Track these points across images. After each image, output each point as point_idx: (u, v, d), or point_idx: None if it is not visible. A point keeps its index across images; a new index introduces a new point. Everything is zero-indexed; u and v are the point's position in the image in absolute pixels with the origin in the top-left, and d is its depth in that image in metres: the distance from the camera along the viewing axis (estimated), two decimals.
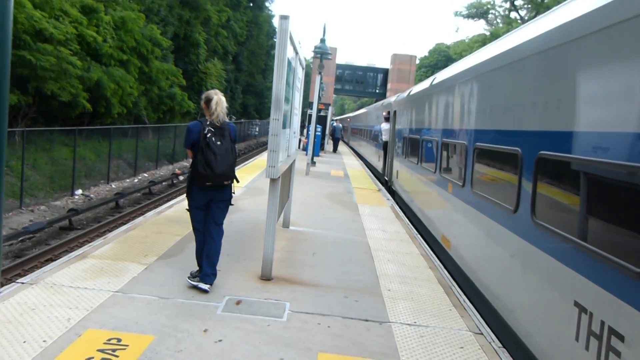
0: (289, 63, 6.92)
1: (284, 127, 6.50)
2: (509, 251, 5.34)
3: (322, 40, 21.81)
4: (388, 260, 7.71)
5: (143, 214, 15.79)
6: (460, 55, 55.84)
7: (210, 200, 5.65)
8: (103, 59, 26.22)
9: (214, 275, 5.66)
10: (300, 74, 8.83)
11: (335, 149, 35.08)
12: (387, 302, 5.87)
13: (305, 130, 30.94)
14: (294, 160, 9.22)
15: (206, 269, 5.58)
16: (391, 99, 21.28)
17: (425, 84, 11.89)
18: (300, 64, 8.67)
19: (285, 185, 8.22)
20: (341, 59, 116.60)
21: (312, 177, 17.89)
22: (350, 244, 8.62)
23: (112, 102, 26.93)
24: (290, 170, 8.86)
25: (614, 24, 3.56)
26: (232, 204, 5.87)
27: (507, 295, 5.33)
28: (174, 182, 25.00)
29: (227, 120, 5.64)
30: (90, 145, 24.97)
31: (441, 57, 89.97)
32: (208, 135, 5.45)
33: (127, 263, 6.34)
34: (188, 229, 6.99)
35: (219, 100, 5.56)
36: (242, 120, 58.84)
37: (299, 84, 8.98)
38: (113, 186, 23.25)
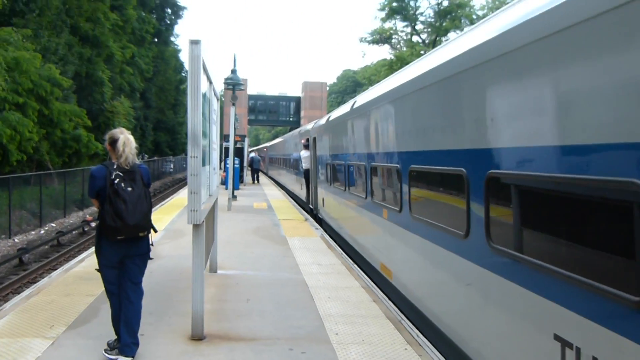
0: (204, 95, 6.29)
1: (204, 164, 5.84)
2: (462, 279, 4.92)
3: (233, 71, 21.24)
4: (329, 298, 7.13)
5: (54, 269, 14.32)
6: (369, 80, 57.14)
7: (124, 256, 4.86)
8: None
9: (136, 344, 4.83)
10: (215, 105, 8.19)
11: (255, 180, 34.75)
12: (338, 350, 5.27)
13: (222, 164, 30.59)
14: (217, 199, 8.51)
15: (125, 338, 4.75)
16: (308, 125, 20.98)
17: (345, 108, 11.57)
18: (215, 94, 8.04)
19: (209, 227, 7.48)
20: (252, 89, 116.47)
21: (235, 212, 17.10)
22: (285, 283, 7.97)
23: (9, 148, 24.92)
24: (213, 209, 8.13)
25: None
26: (151, 258, 5.09)
27: (467, 326, 4.89)
28: (85, 229, 23.27)
29: (137, 161, 4.91)
30: None
31: (349, 83, 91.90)
32: (116, 181, 4.69)
33: (29, 339, 5.34)
34: (102, 287, 6.10)
35: (126, 140, 4.83)
36: (155, 157, 56.83)
37: (215, 116, 8.34)
38: (16, 240, 21.26)
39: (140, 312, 4.93)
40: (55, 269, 11.44)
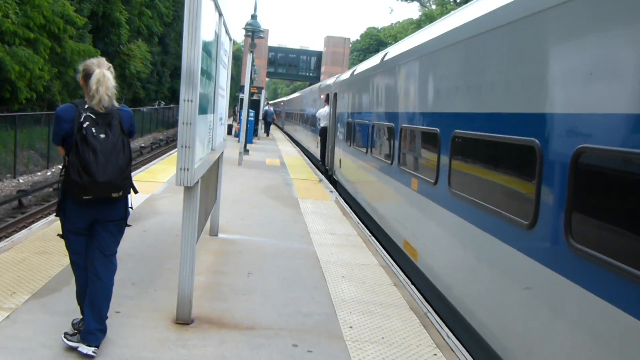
0: (213, 31, 5.18)
1: (204, 111, 4.78)
2: (520, 282, 3.89)
3: (254, 17, 19.94)
4: (343, 277, 6.16)
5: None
6: (395, 38, 55.04)
7: (94, 220, 3.88)
8: (5, 37, 23.18)
9: (102, 331, 3.89)
10: (227, 45, 7.07)
11: (267, 133, 34.70)
12: (352, 350, 4.31)
13: (237, 116, 29.79)
14: (222, 153, 7.48)
15: (90, 324, 3.80)
16: (329, 80, 19.72)
17: (373, 61, 10.37)
18: (228, 33, 6.91)
19: (210, 186, 6.49)
20: (273, 41, 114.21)
21: (246, 167, 16.12)
22: (294, 255, 7.01)
23: (18, 85, 23.98)
24: (216, 165, 7.12)
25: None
26: (129, 225, 4.10)
27: (522, 341, 3.88)
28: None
29: (115, 104, 3.88)
30: None
31: (373, 41, 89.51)
32: (85, 125, 3.67)
33: None
34: None
35: (101, 76, 3.78)
36: (172, 105, 55.72)
37: (226, 58, 7.23)
38: (21, 181, 20.53)
39: (110, 291, 3.97)
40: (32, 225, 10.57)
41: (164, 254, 6.52)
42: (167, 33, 55.89)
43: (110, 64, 4.08)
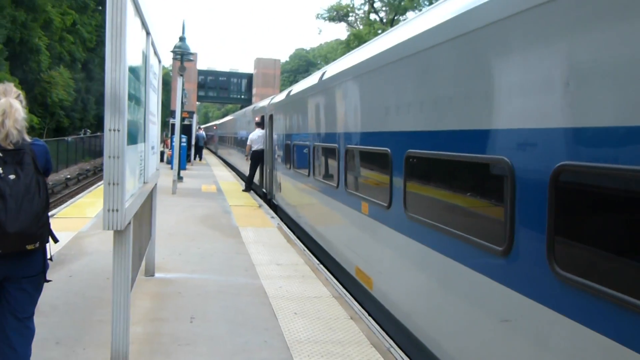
0: (141, 52, 4.67)
1: (134, 141, 4.23)
2: (496, 310, 3.55)
3: (182, 39, 19.25)
4: (295, 314, 5.68)
5: None
6: (325, 58, 55.49)
7: (4, 278, 3.25)
8: None
9: None
10: (156, 68, 6.53)
11: (200, 157, 34.79)
12: None
13: (167, 141, 28.98)
14: (155, 184, 6.88)
15: None
16: (263, 102, 19.30)
17: (310, 81, 10.03)
18: (156, 54, 6.38)
19: (144, 222, 5.88)
20: (203, 64, 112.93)
21: (181, 195, 15.36)
22: (239, 291, 6.47)
23: None
24: (150, 199, 6.51)
25: None
26: (48, 280, 3.48)
27: None
28: None
29: (27, 138, 3.30)
30: None
31: (302, 62, 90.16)
32: None
33: None
34: None
35: (7, 107, 3.21)
36: (98, 133, 53.47)
37: (156, 81, 6.67)
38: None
39: None
40: None
41: (94, 302, 5.83)
42: (91, 59, 53.99)
43: (20, 91, 3.49)
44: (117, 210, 3.31)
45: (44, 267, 3.39)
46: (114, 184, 3.28)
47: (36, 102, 39.23)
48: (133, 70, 4.02)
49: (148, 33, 5.17)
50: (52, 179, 32.02)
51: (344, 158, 7.13)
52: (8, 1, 35.16)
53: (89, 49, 52.99)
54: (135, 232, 4.77)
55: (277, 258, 8.26)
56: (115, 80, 3.24)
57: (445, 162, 4.35)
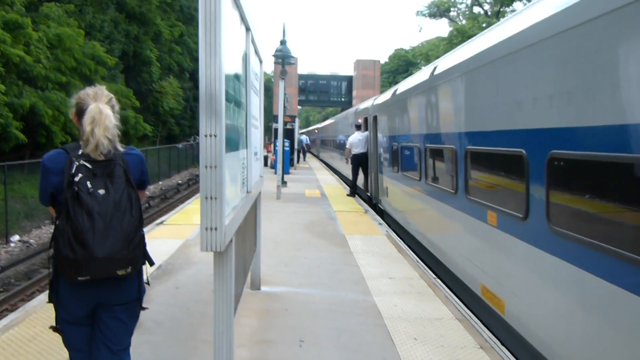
0: (243, 53, 4.24)
1: (235, 147, 3.77)
2: None
3: (283, 42, 19.11)
4: (415, 340, 4.99)
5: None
6: (426, 56, 53.99)
7: (97, 305, 2.88)
8: (38, 82, 23.19)
9: None
10: (257, 68, 6.12)
11: (304, 158, 37.61)
12: None
13: (270, 146, 29.46)
14: (259, 193, 6.47)
15: None
16: (366, 103, 18.70)
17: (420, 77, 9.27)
18: (257, 53, 5.96)
19: (248, 235, 5.46)
20: (303, 69, 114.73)
21: (284, 201, 15.12)
22: (351, 309, 5.88)
23: (52, 130, 23.95)
24: (254, 209, 6.11)
25: None
26: (145, 308, 3.08)
27: None
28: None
29: (119, 148, 2.91)
30: (33, 182, 21.67)
31: (401, 62, 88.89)
32: (78, 178, 2.71)
33: None
34: None
35: (97, 114, 2.83)
36: None
37: (257, 83, 6.27)
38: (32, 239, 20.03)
39: None
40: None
41: (199, 318, 5.49)
42: (198, 68, 56.26)
43: (112, 95, 3.12)
44: (215, 229, 2.82)
45: (140, 294, 2.98)
46: (211, 198, 2.79)
47: (149, 111, 41.36)
48: (232, 69, 3.54)
49: (248, 29, 4.72)
50: (165, 184, 33.48)
51: (464, 161, 6.32)
52: (122, 17, 37.29)
53: (195, 58, 55.18)
54: (239, 246, 4.32)
55: (389, 270, 7.59)
56: (211, 77, 2.75)
57: (605, 165, 3.49)
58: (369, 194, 16.26)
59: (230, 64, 3.43)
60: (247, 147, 4.80)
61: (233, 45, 3.64)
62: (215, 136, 2.78)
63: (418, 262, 8.25)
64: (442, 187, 7.54)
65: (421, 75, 9.32)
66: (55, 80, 24.32)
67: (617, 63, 3.34)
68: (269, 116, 47.08)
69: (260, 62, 6.61)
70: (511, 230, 4.99)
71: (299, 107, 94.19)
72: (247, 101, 4.79)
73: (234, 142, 3.73)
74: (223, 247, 2.85)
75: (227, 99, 3.12)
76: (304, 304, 6.02)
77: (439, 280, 7.21)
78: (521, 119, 4.73)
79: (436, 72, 7.79)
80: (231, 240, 3.21)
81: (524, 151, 4.66)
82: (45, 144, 24.58)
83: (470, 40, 7.04)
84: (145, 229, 3.26)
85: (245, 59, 4.71)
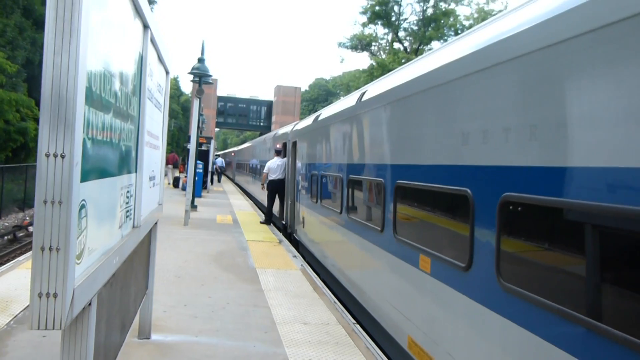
0: (137, 55, 3.37)
1: (112, 172, 2.85)
2: None
3: (201, 60, 18.14)
4: None
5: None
6: (347, 86, 54.47)
7: None
8: None
9: None
10: (160, 78, 5.20)
11: (219, 180, 40.22)
12: None
13: (182, 167, 28.25)
14: (155, 224, 5.48)
15: None
16: (286, 128, 17.99)
17: (346, 103, 8.64)
18: (161, 60, 5.06)
19: (135, 275, 4.46)
20: (222, 91, 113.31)
21: (193, 227, 13.97)
22: None
23: None
24: (147, 242, 5.12)
25: None
26: None
27: None
28: (18, 236, 19.63)
29: None
30: None
31: (321, 92, 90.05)
32: None
33: None
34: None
35: None
36: None
37: (161, 96, 5.35)
38: None
39: None
40: None
41: None
42: None
43: None
44: (54, 295, 1.88)
45: None
46: (50, 248, 1.86)
47: None
48: (109, 65, 2.64)
49: (146, 26, 3.83)
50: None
51: (393, 196, 5.66)
52: (29, 23, 34.75)
53: None
54: (114, 298, 3.35)
55: (303, 313, 6.77)
56: (60, 68, 1.85)
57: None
58: (284, 222, 15.45)
59: (106, 59, 2.53)
60: (136, 171, 3.85)
61: (114, 35, 2.74)
62: (62, 157, 1.87)
63: (335, 302, 7.49)
64: (365, 223, 6.86)
65: (347, 101, 8.70)
66: None
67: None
68: (185, 137, 45.38)
69: (167, 72, 5.70)
70: (449, 280, 4.32)
71: (217, 129, 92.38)
72: (139, 114, 3.86)
73: (110, 165, 2.81)
74: (66, 321, 1.91)
75: (92, 104, 2.22)
76: (202, 358, 5.04)
77: (358, 327, 6.47)
78: (466, 153, 4.11)
79: (365, 98, 7.17)
80: (89, 305, 2.26)
81: (468, 190, 4.03)
82: None
83: (408, 63, 6.45)
84: None
85: (141, 63, 3.80)
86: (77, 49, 1.87)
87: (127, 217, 3.55)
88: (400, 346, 5.42)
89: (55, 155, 1.86)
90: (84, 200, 2.21)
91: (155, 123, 4.97)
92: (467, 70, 4.15)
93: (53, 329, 1.88)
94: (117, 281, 3.31)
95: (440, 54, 4.99)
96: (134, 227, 3.81)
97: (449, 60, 4.55)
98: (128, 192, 3.54)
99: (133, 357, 4.90)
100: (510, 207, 3.46)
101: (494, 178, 3.67)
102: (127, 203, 3.51)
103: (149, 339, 5.40)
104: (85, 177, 2.17)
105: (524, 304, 3.27)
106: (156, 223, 5.41)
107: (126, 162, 3.39)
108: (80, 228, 2.19)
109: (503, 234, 3.56)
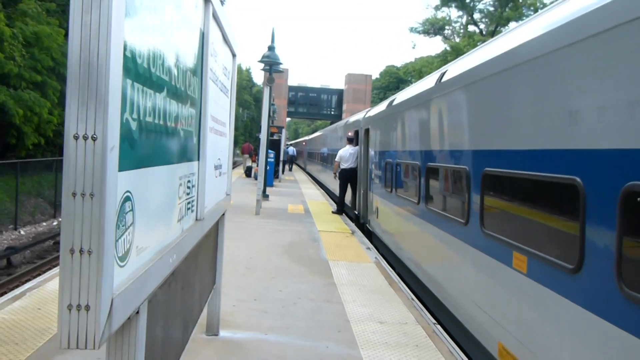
0: (199, 32, 3.04)
1: (169, 159, 2.52)
2: None
3: (271, 48, 17.94)
4: None
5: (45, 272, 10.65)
6: (419, 72, 53.15)
7: None
8: (10, 80, 21.73)
9: None
10: (227, 62, 4.89)
11: (290, 169, 41.13)
12: None
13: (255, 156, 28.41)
14: (223, 215, 5.20)
15: None
16: (357, 115, 17.53)
17: (424, 85, 8.07)
18: (226, 40, 4.73)
19: (199, 270, 4.18)
20: (293, 81, 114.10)
21: (264, 217, 13.81)
22: None
23: (24, 130, 22.54)
24: (214, 234, 4.85)
25: None
26: None
27: None
28: (14, 262, 16.77)
29: None
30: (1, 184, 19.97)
31: (392, 79, 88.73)
32: None
33: None
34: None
35: None
36: None
37: (228, 80, 5.04)
38: (22, 232, 18.52)
39: None
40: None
41: None
42: None
43: None
44: (86, 308, 1.54)
45: None
46: (81, 251, 1.52)
47: None
48: (161, 38, 2.29)
49: (207, 0, 3.49)
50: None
51: (480, 186, 5.09)
52: None
53: None
54: (174, 297, 3.05)
55: (379, 311, 6.33)
56: (89, 26, 1.49)
57: None
58: (356, 212, 15.03)
59: (155, 28, 2.18)
60: (199, 159, 3.53)
61: (168, 2, 2.39)
62: (93, 139, 1.52)
63: (413, 299, 7.00)
64: (447, 215, 6.31)
65: (424, 83, 8.13)
66: (30, 80, 22.93)
67: None
68: (257, 127, 45.99)
69: (233, 55, 5.39)
70: (553, 284, 3.75)
71: (288, 118, 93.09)
72: (202, 97, 3.54)
73: (164, 152, 2.47)
74: (100, 338, 1.57)
75: (137, 79, 1.87)
76: (271, 358, 4.72)
77: (439, 327, 5.96)
78: (574, 135, 3.51)
79: (445, 78, 6.58)
80: (136, 313, 1.93)
81: (578, 179, 3.44)
82: (15, 145, 23.19)
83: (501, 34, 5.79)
84: None
85: (202, 40, 3.46)
86: (109, 5, 1.50)
87: (189, 209, 3.24)
88: (487, 351, 4.88)
89: (85, 138, 1.51)
90: (128, 192, 1.87)
91: (220, 108, 4.66)
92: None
93: (86, 348, 1.55)
94: (177, 280, 3.00)
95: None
96: (197, 219, 3.50)
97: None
98: (189, 181, 3.22)
99: (200, 356, 4.64)
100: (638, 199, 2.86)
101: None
102: (188, 194, 3.19)
103: (217, 335, 5.15)
104: (129, 165, 1.83)
105: None
106: (224, 214, 5.12)
107: (186, 149, 3.06)
108: (124, 225, 1.85)
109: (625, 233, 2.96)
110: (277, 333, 5.41)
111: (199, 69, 3.44)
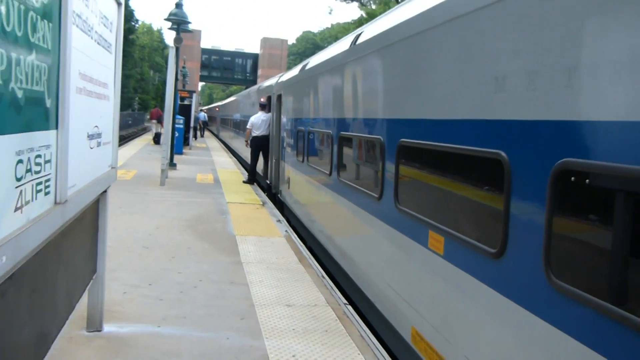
0: None
1: (9, 128, 1.85)
2: None
3: (179, 5, 16.79)
4: None
5: None
6: (335, 38, 52.72)
7: None
8: None
9: None
10: (107, 10, 4.12)
11: (202, 135, 40.97)
12: None
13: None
14: (105, 192, 4.47)
15: None
16: (270, 80, 16.83)
17: (339, 47, 7.56)
18: None
19: (74, 257, 3.50)
20: (207, 43, 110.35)
21: (170, 188, 12.96)
22: None
23: None
24: (91, 216, 4.14)
25: None
26: None
27: None
28: None
29: None
30: None
31: (309, 45, 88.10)
32: None
33: None
34: None
35: None
36: None
37: (109, 32, 4.27)
38: None
39: None
40: None
41: None
42: None
43: None
44: None
45: None
46: None
47: None
48: None
49: None
50: None
51: (396, 158, 4.69)
52: None
53: None
54: (17, 306, 2.39)
55: (287, 292, 5.88)
56: None
57: None
58: (268, 182, 14.50)
59: None
60: (57, 127, 2.83)
61: None
62: None
63: (323, 277, 6.62)
64: (359, 188, 5.90)
65: (338, 46, 7.62)
66: None
67: None
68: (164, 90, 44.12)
69: (119, 4, 4.60)
70: (472, 268, 3.40)
71: (202, 83, 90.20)
72: (60, 49, 2.81)
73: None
74: None
75: None
76: (162, 357, 4.14)
77: (350, 308, 5.60)
78: (503, 103, 3.12)
79: (360, 41, 6.10)
80: None
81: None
82: None
83: None
84: None
85: None
86: None
87: (39, 191, 2.55)
88: (399, 335, 4.56)
89: None
90: None
91: (98, 65, 3.91)
92: None
93: None
94: (20, 284, 2.34)
95: None
96: (56, 203, 2.82)
97: None
98: (38, 156, 2.53)
99: (77, 358, 3.97)
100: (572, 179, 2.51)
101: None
102: (37, 172, 2.50)
103: (100, 331, 4.47)
104: None
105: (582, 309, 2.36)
106: (105, 191, 4.40)
107: (29, 115, 2.37)
108: None
109: (555, 214, 2.62)
110: (172, 324, 4.82)
111: (55, 12, 2.72)
